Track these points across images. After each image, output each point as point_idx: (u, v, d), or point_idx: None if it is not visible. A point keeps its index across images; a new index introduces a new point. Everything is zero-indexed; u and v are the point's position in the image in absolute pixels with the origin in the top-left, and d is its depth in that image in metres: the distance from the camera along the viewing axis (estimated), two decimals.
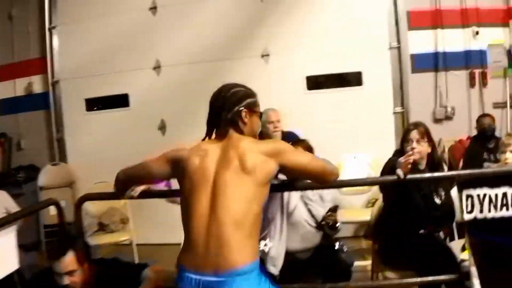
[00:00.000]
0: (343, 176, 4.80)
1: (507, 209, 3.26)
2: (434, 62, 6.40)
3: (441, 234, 3.90)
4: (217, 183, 2.45)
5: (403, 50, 6.30)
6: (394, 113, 6.36)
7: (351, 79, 6.55)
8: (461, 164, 5.75)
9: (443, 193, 3.73)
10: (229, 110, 2.58)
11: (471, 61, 6.40)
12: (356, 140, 6.20)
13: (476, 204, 3.25)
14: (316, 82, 6.51)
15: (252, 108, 2.64)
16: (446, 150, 6.04)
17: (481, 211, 3.23)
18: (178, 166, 2.59)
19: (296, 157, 2.60)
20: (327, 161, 2.81)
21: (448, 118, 6.35)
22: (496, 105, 6.39)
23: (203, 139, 2.66)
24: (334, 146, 5.78)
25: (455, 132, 6.20)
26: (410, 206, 3.63)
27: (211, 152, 2.54)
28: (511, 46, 6.41)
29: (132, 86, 6.81)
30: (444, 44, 6.39)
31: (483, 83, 6.39)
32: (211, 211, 2.40)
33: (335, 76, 6.57)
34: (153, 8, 6.71)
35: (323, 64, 6.38)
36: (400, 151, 3.75)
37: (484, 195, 3.25)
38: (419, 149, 3.69)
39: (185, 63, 6.61)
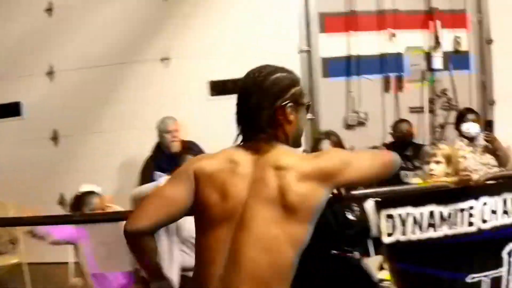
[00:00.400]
0: None
1: (435, 229, 2.93)
2: (347, 67, 6.12)
3: (357, 253, 3.44)
4: (245, 218, 1.79)
5: (313, 54, 5.99)
6: None
7: None
8: None
9: (357, 208, 3.31)
10: (270, 106, 1.87)
11: (387, 65, 6.17)
12: None
13: (398, 225, 2.91)
14: (220, 88, 6.11)
15: (299, 100, 1.94)
16: None
17: (404, 232, 2.89)
18: (198, 184, 1.90)
19: (357, 170, 1.90)
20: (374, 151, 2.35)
21: (361, 124, 6.06)
22: (413, 110, 6.18)
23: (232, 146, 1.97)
24: None
25: (369, 139, 5.92)
26: (319, 224, 3.17)
27: (242, 168, 1.86)
28: (430, 49, 6.22)
29: (23, 94, 6.28)
30: (358, 48, 6.13)
31: (399, 87, 6.15)
32: (230, 261, 1.78)
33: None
34: (49, 10, 6.22)
35: (227, 68, 5.97)
36: None
37: (407, 215, 2.90)
38: None
39: (81, 68, 6.12)
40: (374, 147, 5.84)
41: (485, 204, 3.05)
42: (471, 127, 4.99)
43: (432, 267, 2.92)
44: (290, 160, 1.83)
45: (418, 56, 6.29)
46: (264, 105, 1.86)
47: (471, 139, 4.97)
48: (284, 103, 1.88)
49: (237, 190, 1.82)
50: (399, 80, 6.15)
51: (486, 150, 4.97)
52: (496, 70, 6.34)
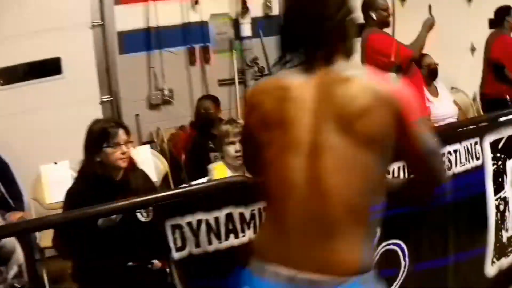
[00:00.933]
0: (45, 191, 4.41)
1: (236, 236, 2.42)
2: (147, 40, 5.59)
3: (157, 262, 3.07)
4: (318, 144, 1.63)
5: (108, 29, 5.38)
6: (102, 102, 5.43)
7: (49, 68, 5.41)
8: (183, 158, 4.95)
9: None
10: (332, 17, 1.66)
11: (191, 36, 5.71)
12: (59, 143, 5.07)
13: (189, 236, 2.33)
14: (8, 76, 5.27)
15: (353, 11, 1.74)
16: (166, 140, 5.30)
17: (198, 244, 2.35)
18: (254, 119, 1.76)
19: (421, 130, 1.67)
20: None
21: (167, 102, 5.60)
22: (222, 83, 5.79)
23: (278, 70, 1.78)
24: (32, 155, 4.77)
25: (177, 119, 5.51)
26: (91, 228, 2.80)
27: (301, 92, 1.67)
28: (238, 15, 5.84)
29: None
30: (158, 19, 5.61)
31: (206, 59, 5.73)
32: (310, 185, 1.62)
33: (29, 66, 5.38)
34: None
35: (14, 52, 5.16)
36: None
37: (199, 223, 2.34)
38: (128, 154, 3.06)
39: None
40: (182, 127, 5.37)
41: None
42: None
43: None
44: (359, 76, 1.66)
45: (225, 24, 5.90)
46: (326, 15, 1.66)
47: None
48: (348, 14, 1.70)
49: (296, 117, 1.65)
50: (205, 51, 5.73)
51: None
52: None
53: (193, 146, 4.78)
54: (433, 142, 1.72)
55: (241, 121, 3.61)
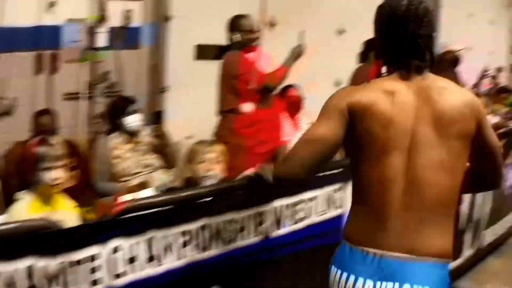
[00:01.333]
0: None
1: None
2: None
3: None
4: (417, 144, 2.01)
5: None
6: None
7: None
8: None
9: None
10: (427, 35, 2.07)
11: (42, 40, 5.15)
12: None
13: None
14: None
15: (435, 30, 2.18)
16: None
17: None
18: (355, 119, 2.04)
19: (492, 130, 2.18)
20: None
21: (6, 113, 4.97)
22: (68, 97, 5.24)
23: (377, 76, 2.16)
24: None
25: (17, 132, 4.81)
26: None
27: (402, 96, 2.04)
28: (94, 23, 5.38)
29: None
30: (8, 18, 4.98)
31: (54, 68, 5.18)
32: (408, 180, 2.01)
33: None
34: None
35: None
36: None
37: None
38: None
39: None
40: (20, 143, 4.81)
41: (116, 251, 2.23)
42: (133, 120, 4.25)
43: None
44: (450, 89, 2.09)
45: (80, 30, 5.39)
46: (421, 33, 2.04)
47: (132, 134, 4.21)
48: (433, 32, 2.09)
49: (401, 118, 2.00)
50: (55, 58, 5.19)
51: (152, 147, 4.27)
52: (171, 53, 5.79)
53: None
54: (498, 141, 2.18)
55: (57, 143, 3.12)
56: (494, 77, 9.24)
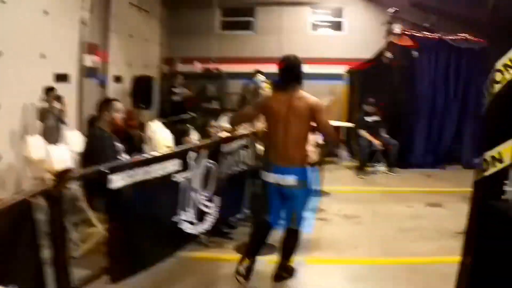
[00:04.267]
0: None
1: None
2: None
3: None
4: (288, 121, 4.35)
5: None
6: None
7: None
8: None
9: None
10: (298, 75, 4.44)
11: None
12: None
13: None
14: None
15: (302, 70, 4.55)
16: None
17: None
18: (266, 109, 4.50)
19: (323, 116, 4.39)
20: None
21: None
22: None
23: (277, 90, 4.59)
24: None
25: None
26: None
27: (284, 99, 4.38)
28: None
29: None
30: None
31: None
32: (285, 134, 4.37)
33: None
34: None
35: None
36: None
37: None
38: None
39: None
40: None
41: None
42: None
43: None
44: (303, 98, 4.39)
45: None
46: (296, 74, 4.46)
47: None
48: (300, 70, 4.50)
49: (282, 109, 4.39)
50: None
51: None
52: None
53: None
54: (328, 123, 4.49)
55: None
56: None
